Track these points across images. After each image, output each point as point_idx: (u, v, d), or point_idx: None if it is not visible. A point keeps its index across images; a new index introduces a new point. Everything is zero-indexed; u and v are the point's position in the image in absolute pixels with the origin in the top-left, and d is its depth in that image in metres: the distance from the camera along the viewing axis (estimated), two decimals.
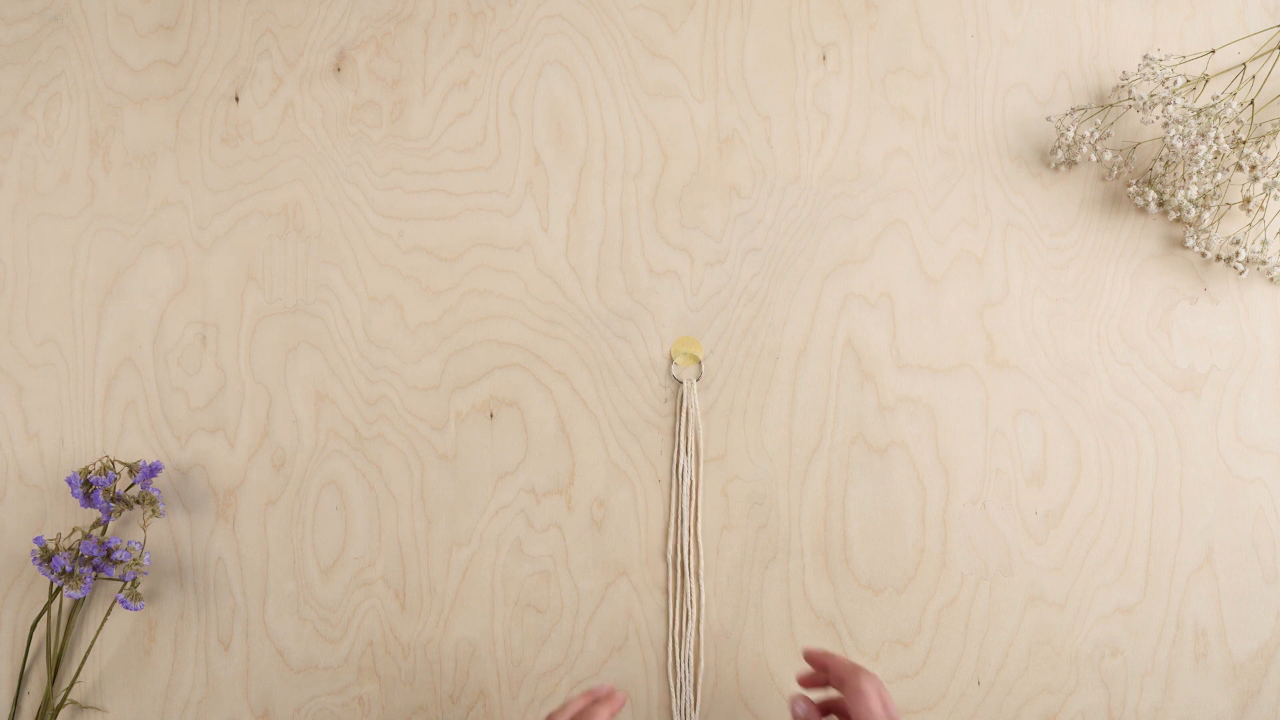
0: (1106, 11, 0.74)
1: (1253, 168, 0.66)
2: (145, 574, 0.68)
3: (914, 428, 0.70)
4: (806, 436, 0.70)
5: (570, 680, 0.68)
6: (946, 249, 0.72)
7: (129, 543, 0.66)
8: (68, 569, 0.64)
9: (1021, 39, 0.74)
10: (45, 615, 0.68)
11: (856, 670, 0.58)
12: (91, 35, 0.76)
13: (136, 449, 0.71)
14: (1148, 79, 0.69)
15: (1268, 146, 0.69)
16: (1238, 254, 0.68)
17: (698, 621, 0.68)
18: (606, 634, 0.69)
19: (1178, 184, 0.68)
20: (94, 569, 0.65)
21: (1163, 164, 0.69)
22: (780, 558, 0.69)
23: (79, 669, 0.68)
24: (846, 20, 0.75)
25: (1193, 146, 0.66)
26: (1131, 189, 0.71)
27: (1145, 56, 0.69)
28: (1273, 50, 0.71)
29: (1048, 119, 0.72)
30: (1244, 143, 0.67)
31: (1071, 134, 0.70)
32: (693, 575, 0.69)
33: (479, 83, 0.75)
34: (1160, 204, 0.70)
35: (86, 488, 0.66)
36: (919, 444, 0.70)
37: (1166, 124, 0.67)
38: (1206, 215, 0.68)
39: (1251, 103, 0.69)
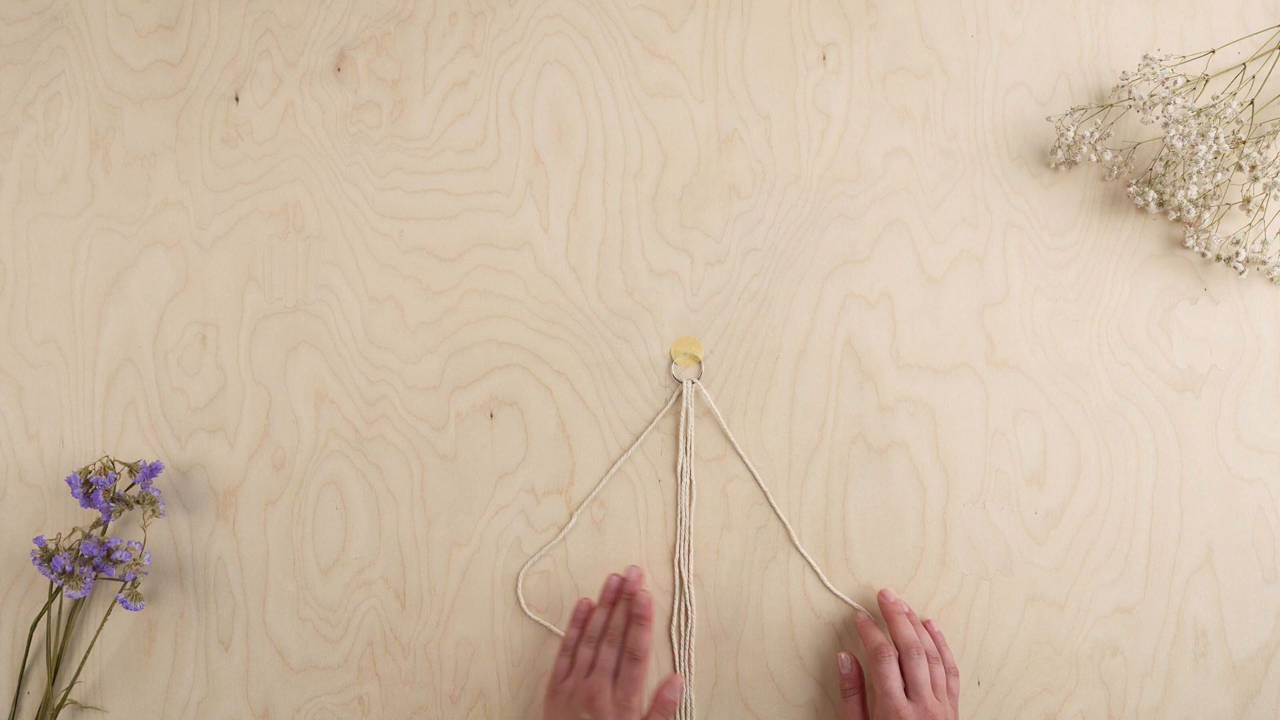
0: (1106, 11, 0.74)
1: (1253, 168, 0.66)
2: (145, 574, 0.68)
3: (914, 428, 0.70)
4: (806, 436, 0.70)
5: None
6: (946, 249, 0.72)
7: (129, 543, 0.66)
8: (68, 569, 0.64)
9: (1021, 39, 0.74)
10: (45, 615, 0.68)
11: (908, 647, 0.63)
12: (91, 35, 0.76)
13: (136, 449, 0.71)
14: (1148, 79, 0.69)
15: (1268, 146, 0.69)
16: (1238, 254, 0.68)
17: (699, 620, 0.69)
18: None
19: (1178, 184, 0.68)
20: (94, 569, 0.65)
21: (1163, 164, 0.69)
22: (780, 558, 0.69)
23: (79, 669, 0.68)
24: (846, 20, 0.75)
25: (1193, 146, 0.66)
26: (1131, 189, 0.71)
27: (1145, 56, 0.69)
28: (1273, 50, 0.71)
29: (1048, 119, 0.72)
30: (1244, 143, 0.67)
31: (1071, 134, 0.70)
32: (692, 575, 0.69)
33: (479, 83, 0.75)
34: (1160, 204, 0.70)
35: (86, 488, 0.66)
36: (919, 444, 0.70)
37: (1166, 124, 0.67)
38: (1206, 215, 0.68)
39: (1251, 103, 0.69)
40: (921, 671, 0.62)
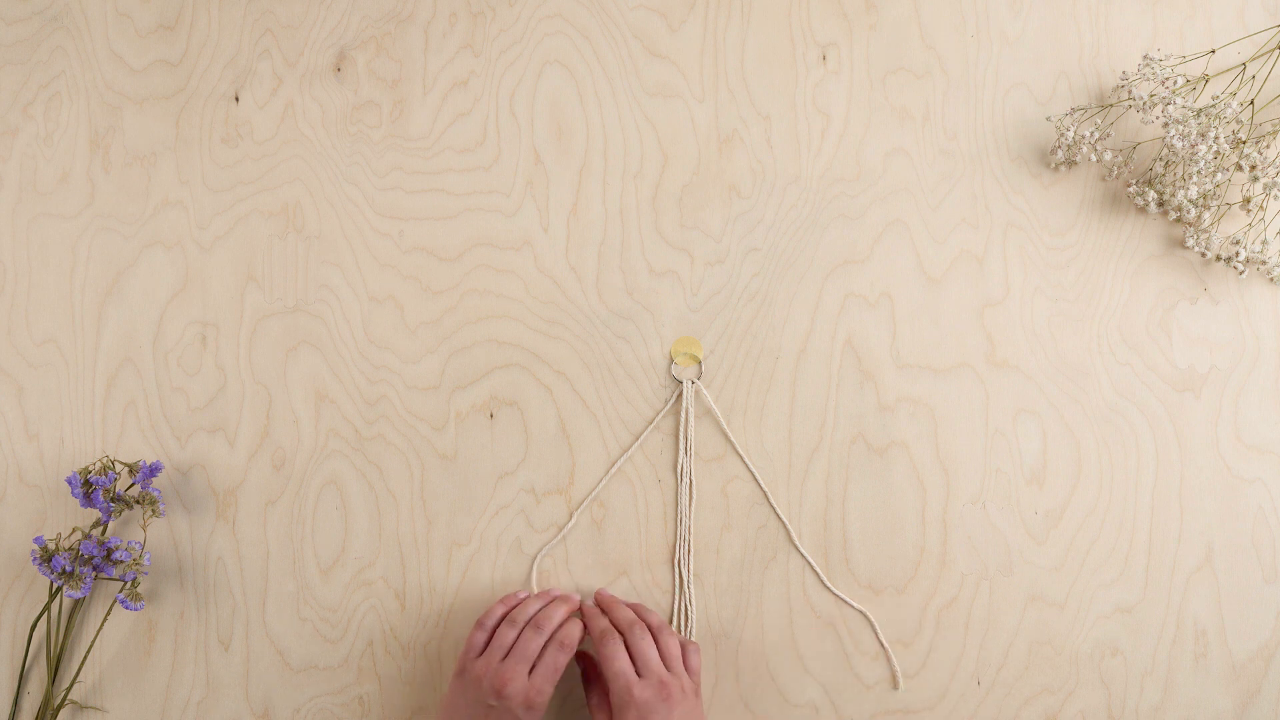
0: (1106, 11, 0.74)
1: (1253, 168, 0.66)
2: (145, 574, 0.68)
3: (914, 428, 0.70)
4: (806, 436, 0.70)
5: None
6: (946, 249, 0.72)
7: (129, 543, 0.66)
8: (68, 569, 0.64)
9: (1021, 39, 0.74)
10: (45, 615, 0.68)
11: (629, 624, 0.62)
12: (91, 35, 0.76)
13: (136, 449, 0.71)
14: (1148, 79, 0.69)
15: (1268, 146, 0.69)
16: (1238, 254, 0.68)
17: (697, 621, 0.69)
18: None
19: (1178, 184, 0.68)
20: (94, 569, 0.65)
21: (1163, 164, 0.69)
22: (780, 558, 0.69)
23: (79, 669, 0.68)
24: (846, 20, 0.75)
25: (1193, 146, 0.66)
26: (1131, 189, 0.71)
27: (1145, 56, 0.69)
28: (1273, 50, 0.71)
29: (1048, 119, 0.72)
30: (1244, 143, 0.67)
31: (1071, 134, 0.70)
32: (692, 575, 0.69)
33: (479, 83, 0.75)
34: (1160, 204, 0.70)
35: (86, 488, 0.66)
36: (919, 444, 0.70)
37: (1166, 124, 0.67)
38: (1206, 215, 0.68)
39: (1251, 103, 0.69)
40: (646, 646, 0.61)
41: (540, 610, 0.65)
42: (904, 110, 0.74)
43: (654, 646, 0.61)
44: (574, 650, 0.63)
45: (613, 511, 0.70)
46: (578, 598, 0.68)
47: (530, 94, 0.74)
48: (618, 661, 0.60)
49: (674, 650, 0.62)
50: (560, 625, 0.64)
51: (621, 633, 0.62)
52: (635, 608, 0.66)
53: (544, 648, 0.62)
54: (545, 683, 0.60)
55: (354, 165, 0.74)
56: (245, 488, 0.70)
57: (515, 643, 0.63)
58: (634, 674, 0.60)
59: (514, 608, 0.65)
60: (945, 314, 0.71)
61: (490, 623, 0.65)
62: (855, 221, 0.72)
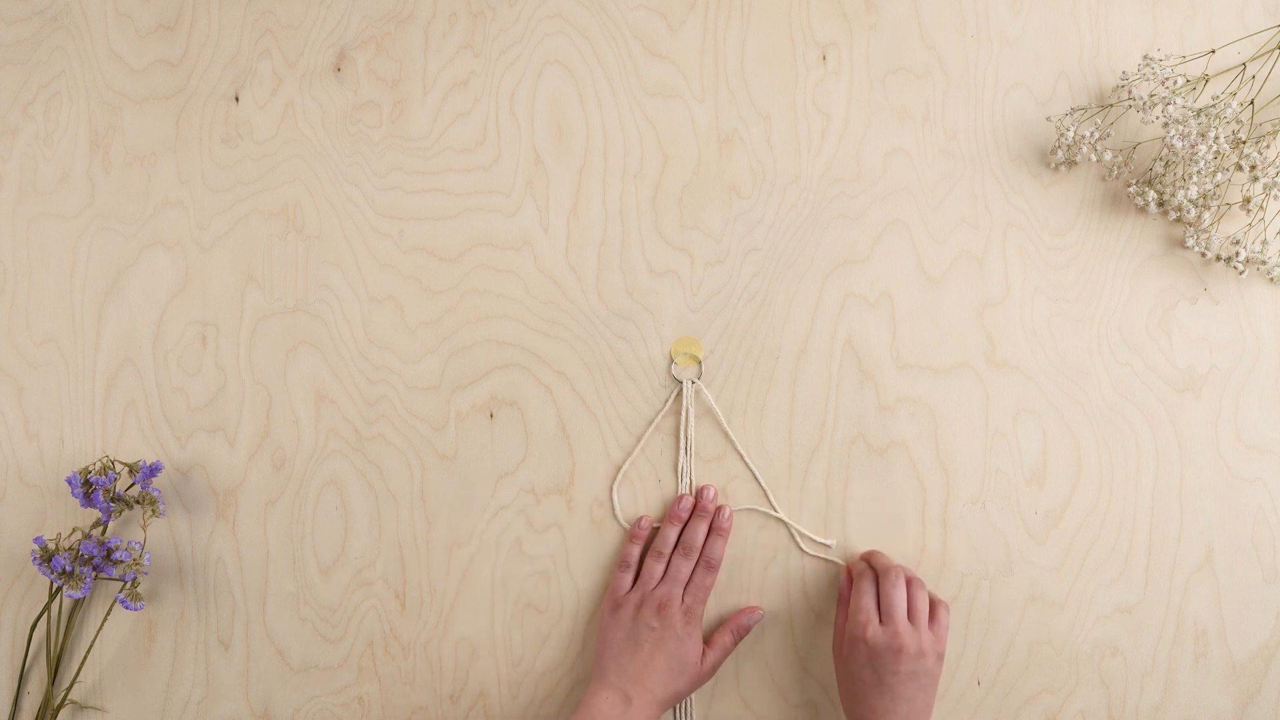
0: (1106, 11, 0.74)
1: (1253, 168, 0.66)
2: (145, 574, 0.68)
3: (914, 428, 0.70)
4: (806, 436, 0.70)
5: (570, 680, 0.68)
6: (946, 249, 0.72)
7: (129, 543, 0.66)
8: (68, 569, 0.64)
9: (1021, 39, 0.74)
10: (45, 615, 0.68)
11: (885, 569, 0.64)
12: (91, 35, 0.76)
13: (136, 449, 0.71)
14: (1148, 79, 0.69)
15: (1268, 146, 0.69)
16: (1238, 254, 0.67)
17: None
18: None
19: (1178, 184, 0.68)
20: (94, 569, 0.65)
21: (1163, 164, 0.69)
22: (780, 558, 0.69)
23: (79, 669, 0.68)
24: (846, 20, 0.75)
25: (1193, 146, 0.66)
26: (1131, 189, 0.71)
27: (1145, 56, 0.69)
28: (1273, 50, 0.71)
29: (1048, 119, 0.72)
30: (1244, 143, 0.67)
31: (1071, 134, 0.70)
32: None
33: (479, 83, 0.75)
34: (1160, 204, 0.70)
35: (86, 488, 0.66)
36: (919, 444, 0.70)
37: (1166, 124, 0.67)
38: (1206, 215, 0.68)
39: (1251, 103, 0.69)
40: (897, 594, 0.62)
41: (683, 533, 0.68)
42: (904, 110, 0.73)
43: (904, 596, 0.62)
44: (719, 568, 0.67)
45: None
46: (714, 494, 0.69)
47: (530, 94, 0.74)
48: (864, 599, 0.62)
49: (921, 606, 0.63)
50: (707, 545, 0.68)
51: (877, 573, 0.64)
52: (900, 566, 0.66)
53: (693, 570, 0.67)
54: (697, 602, 0.66)
55: (354, 165, 0.74)
56: (245, 488, 0.70)
57: (667, 569, 0.67)
58: (875, 615, 0.61)
59: (645, 540, 0.68)
60: (945, 314, 0.71)
61: (632, 561, 0.68)
62: (855, 221, 0.72)
